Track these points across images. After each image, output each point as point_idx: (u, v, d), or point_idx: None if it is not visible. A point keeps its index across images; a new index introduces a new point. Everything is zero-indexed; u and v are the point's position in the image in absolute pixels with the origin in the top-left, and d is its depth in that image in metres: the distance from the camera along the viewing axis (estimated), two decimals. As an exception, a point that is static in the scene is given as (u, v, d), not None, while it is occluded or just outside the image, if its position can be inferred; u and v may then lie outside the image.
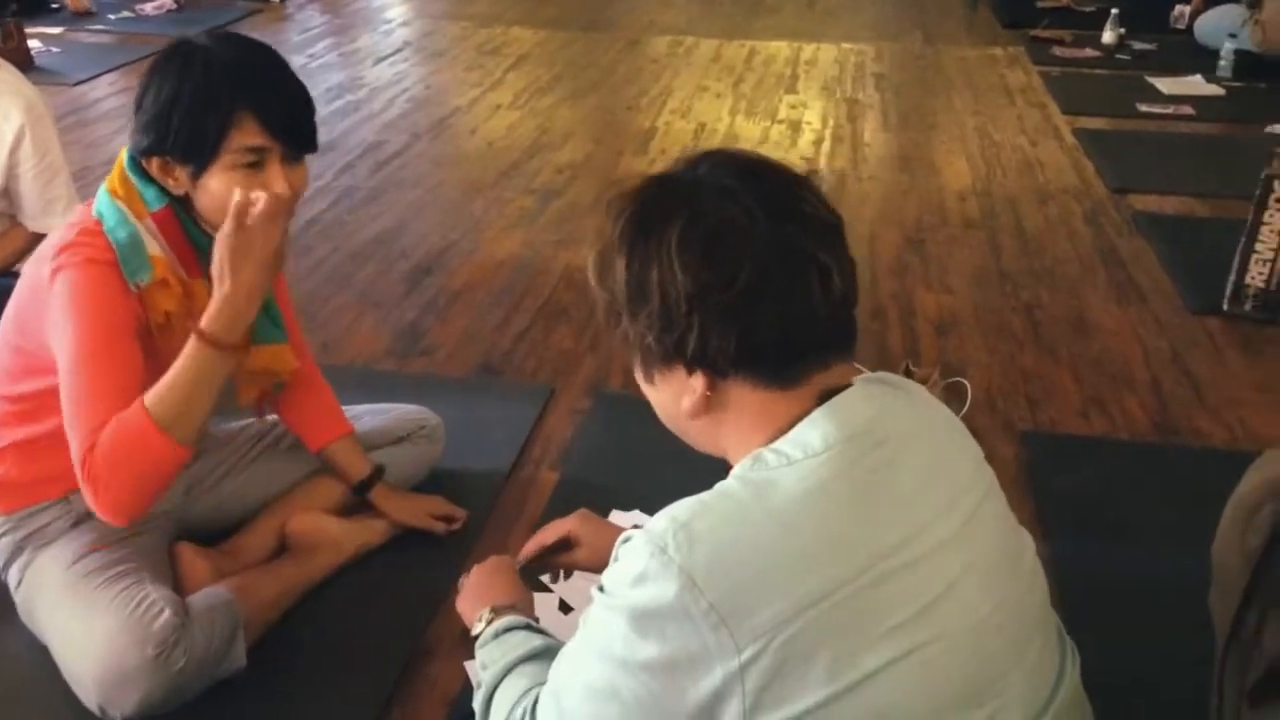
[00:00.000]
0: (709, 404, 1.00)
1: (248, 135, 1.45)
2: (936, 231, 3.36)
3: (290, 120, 1.49)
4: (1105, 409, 2.39)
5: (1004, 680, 0.96)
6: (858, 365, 1.04)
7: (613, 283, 0.99)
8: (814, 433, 0.95)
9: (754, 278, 0.94)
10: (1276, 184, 2.68)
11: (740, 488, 0.95)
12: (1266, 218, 2.70)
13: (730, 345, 0.96)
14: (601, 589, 0.98)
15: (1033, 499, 2.07)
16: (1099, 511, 2.04)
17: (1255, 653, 0.97)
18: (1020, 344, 2.67)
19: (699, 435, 1.05)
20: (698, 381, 0.99)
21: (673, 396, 1.02)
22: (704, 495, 0.96)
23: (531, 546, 1.45)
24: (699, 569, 0.90)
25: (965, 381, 2.15)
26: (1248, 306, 2.76)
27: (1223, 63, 5.03)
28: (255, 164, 1.47)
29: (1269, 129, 4.24)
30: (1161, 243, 3.23)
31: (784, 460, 0.94)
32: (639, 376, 1.05)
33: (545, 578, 1.72)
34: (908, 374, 2.14)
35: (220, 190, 1.46)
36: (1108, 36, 5.63)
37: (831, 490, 0.93)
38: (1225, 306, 2.79)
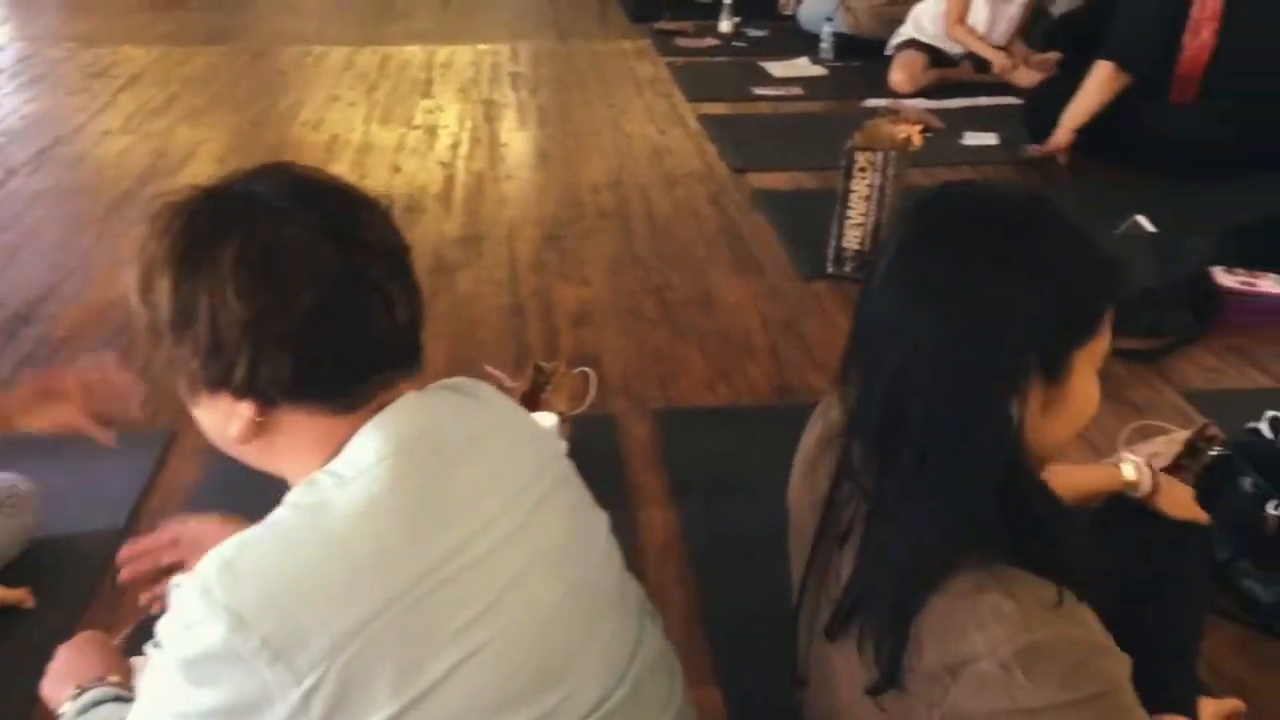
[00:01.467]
0: (259, 429, 0.96)
1: None
2: (573, 225, 3.45)
3: None
4: (730, 379, 2.53)
5: (576, 661, 0.98)
6: (489, 368, 1.03)
7: (156, 302, 0.93)
8: (365, 448, 0.94)
9: (313, 305, 0.90)
10: (858, 155, 2.94)
11: (291, 515, 0.92)
12: (854, 186, 2.96)
13: (284, 374, 0.93)
14: (157, 641, 0.92)
15: (667, 472, 2.16)
16: (726, 476, 2.16)
17: (823, 593, 1.03)
18: (653, 326, 2.79)
19: (254, 459, 1.01)
20: (246, 408, 0.95)
21: (220, 421, 0.97)
22: (252, 529, 0.92)
23: (126, 552, 1.34)
24: (247, 606, 0.87)
25: (589, 371, 2.22)
26: (848, 268, 3.02)
27: (824, 45, 5.48)
28: None
29: (865, 103, 4.66)
30: (777, 216, 3.47)
31: (337, 480, 0.93)
32: (184, 398, 0.99)
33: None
34: (538, 370, 2.17)
35: None
36: (724, 26, 5.99)
37: (384, 503, 0.92)
38: (830, 270, 3.03)
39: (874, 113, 4.34)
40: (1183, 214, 3.14)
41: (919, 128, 3.11)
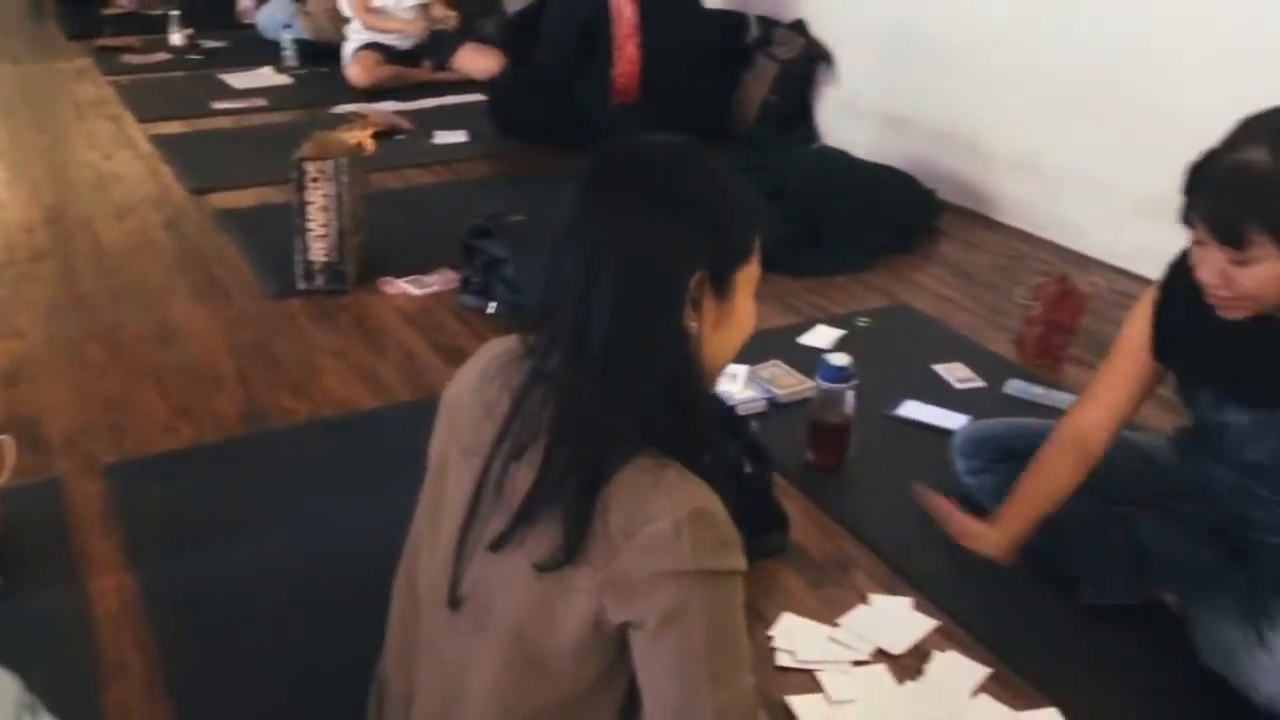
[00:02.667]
0: None
1: None
2: (1, 272, 3.04)
3: None
4: (194, 416, 2.35)
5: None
6: None
7: None
8: None
9: None
10: (308, 165, 2.85)
11: None
12: (310, 197, 2.86)
13: None
14: None
15: (121, 532, 1.96)
16: (188, 524, 1.99)
17: (498, 504, 1.06)
18: (102, 372, 2.52)
19: None
20: None
21: None
22: None
23: None
24: None
25: (5, 439, 1.95)
26: (319, 281, 2.93)
27: (286, 52, 5.30)
28: None
29: (335, 110, 4.56)
30: (242, 236, 3.29)
31: None
32: None
33: None
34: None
35: None
36: (176, 38, 5.61)
37: None
38: (301, 286, 2.92)
39: (343, 119, 4.29)
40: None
41: (369, 132, 3.08)
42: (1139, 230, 3.07)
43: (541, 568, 1.02)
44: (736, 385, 2.40)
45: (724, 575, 1.02)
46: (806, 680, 1.64)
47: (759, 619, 1.76)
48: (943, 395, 2.48)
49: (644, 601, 1.00)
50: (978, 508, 1.91)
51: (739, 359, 2.53)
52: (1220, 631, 1.58)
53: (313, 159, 2.85)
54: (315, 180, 2.85)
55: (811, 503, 2.09)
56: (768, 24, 4.34)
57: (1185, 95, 2.90)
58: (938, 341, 2.76)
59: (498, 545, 1.05)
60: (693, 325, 1.05)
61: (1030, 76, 3.38)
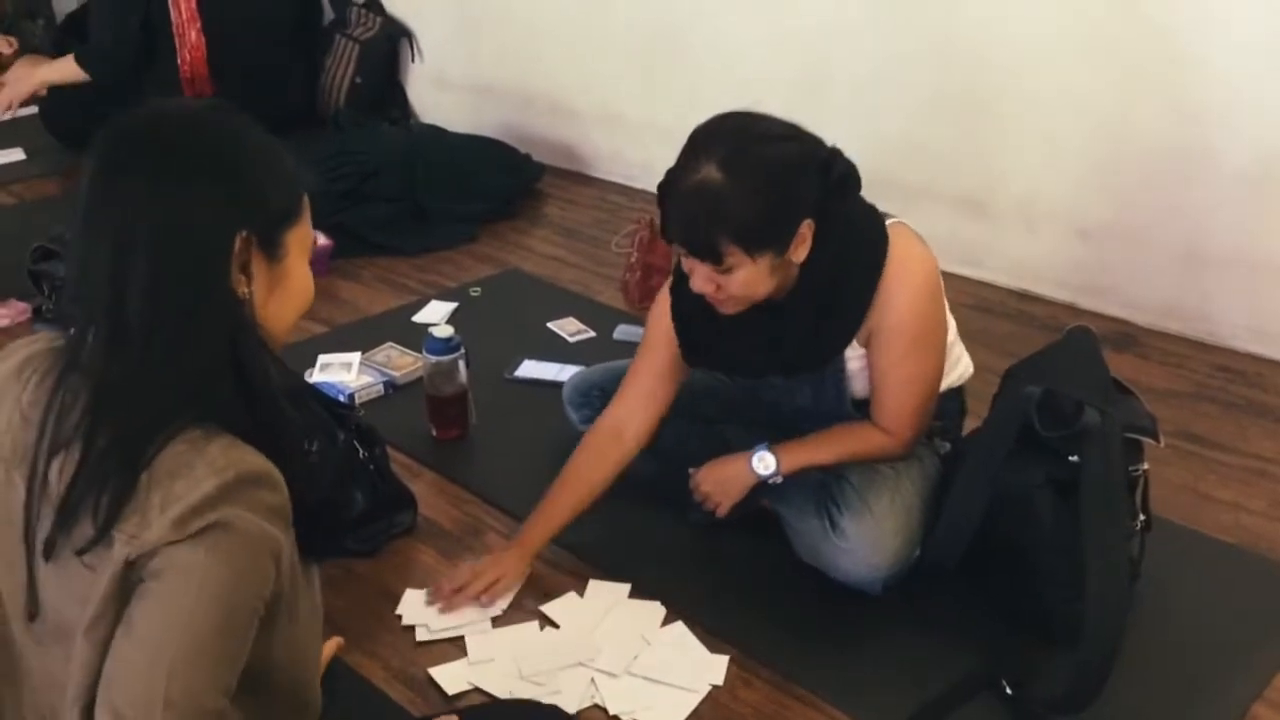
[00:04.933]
0: None
1: None
2: None
3: None
4: None
5: None
6: None
7: None
8: None
9: None
10: None
11: None
12: None
13: None
14: None
15: None
16: None
17: (44, 504, 0.99)
18: None
19: None
20: None
21: None
22: None
23: None
24: None
25: None
26: None
27: None
28: None
29: None
30: None
31: None
32: None
33: None
34: None
35: None
36: None
37: None
38: None
39: None
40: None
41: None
42: (717, 170, 3.30)
43: (80, 552, 0.95)
44: (350, 374, 2.35)
45: (252, 538, 0.95)
46: (449, 649, 1.65)
47: (394, 599, 1.75)
48: (558, 351, 2.56)
49: (160, 560, 0.93)
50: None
51: (349, 346, 2.51)
52: (803, 526, 1.74)
53: None
54: None
55: (440, 476, 2.09)
56: (342, 4, 4.23)
57: (741, 44, 3.13)
58: (549, 300, 2.84)
59: (48, 552, 0.97)
60: (244, 291, 1.01)
61: (604, 35, 3.52)
